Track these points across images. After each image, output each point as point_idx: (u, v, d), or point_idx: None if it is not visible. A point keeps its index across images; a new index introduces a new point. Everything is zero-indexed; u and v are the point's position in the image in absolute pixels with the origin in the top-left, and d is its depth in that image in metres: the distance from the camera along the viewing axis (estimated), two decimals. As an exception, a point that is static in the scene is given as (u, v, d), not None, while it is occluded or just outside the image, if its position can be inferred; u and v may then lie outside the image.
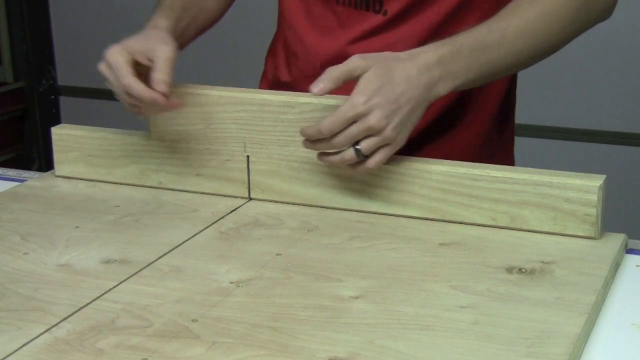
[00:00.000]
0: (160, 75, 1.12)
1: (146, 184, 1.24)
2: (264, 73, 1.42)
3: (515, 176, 1.06)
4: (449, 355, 0.81)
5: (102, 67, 1.16)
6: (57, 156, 1.29)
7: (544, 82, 2.61)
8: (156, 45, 1.15)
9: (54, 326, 0.87)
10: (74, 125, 1.30)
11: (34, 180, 1.29)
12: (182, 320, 0.88)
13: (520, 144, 2.67)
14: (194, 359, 0.81)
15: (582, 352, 0.83)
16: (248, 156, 1.18)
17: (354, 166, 1.08)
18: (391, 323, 0.87)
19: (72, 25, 3.25)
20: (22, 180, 1.30)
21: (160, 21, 1.23)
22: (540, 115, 2.64)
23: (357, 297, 0.92)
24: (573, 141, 2.62)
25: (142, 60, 1.14)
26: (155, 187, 1.24)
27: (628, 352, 0.83)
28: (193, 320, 0.87)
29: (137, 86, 1.11)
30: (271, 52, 1.41)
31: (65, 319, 0.89)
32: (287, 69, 1.34)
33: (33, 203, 1.20)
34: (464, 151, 1.27)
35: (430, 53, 1.08)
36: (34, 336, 0.85)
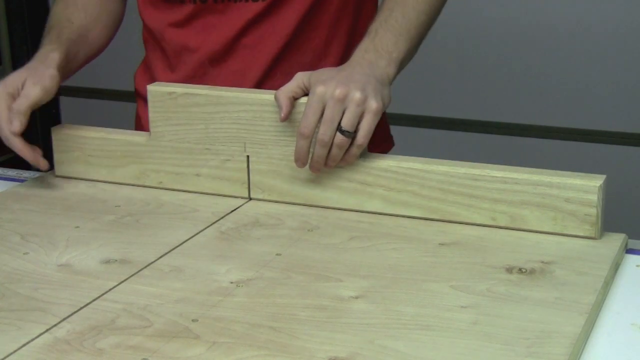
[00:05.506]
0: (16, 124, 1.19)
1: (146, 184, 1.24)
2: (137, 92, 1.44)
3: (515, 176, 1.06)
4: (449, 355, 0.81)
5: None
6: (57, 156, 1.29)
7: (544, 82, 2.60)
8: (32, 83, 1.21)
9: (54, 326, 0.87)
10: (74, 125, 1.30)
11: (34, 180, 1.29)
12: (182, 320, 0.88)
13: (521, 143, 2.68)
14: (194, 359, 0.81)
15: (582, 352, 0.83)
16: (248, 156, 1.18)
17: (352, 154, 1.11)
18: (391, 323, 0.87)
19: (72, 25, 3.24)
20: (22, 180, 1.30)
21: (52, 55, 1.26)
22: (541, 115, 2.63)
23: (357, 297, 0.92)
24: (573, 141, 2.62)
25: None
26: (155, 187, 1.24)
27: (628, 352, 0.83)
28: (193, 320, 0.87)
29: (16, 142, 1.19)
30: (144, 68, 1.44)
31: (65, 319, 0.89)
32: (166, 75, 1.37)
33: (33, 203, 1.20)
34: None
35: (355, 53, 1.18)
36: (34, 336, 0.85)
